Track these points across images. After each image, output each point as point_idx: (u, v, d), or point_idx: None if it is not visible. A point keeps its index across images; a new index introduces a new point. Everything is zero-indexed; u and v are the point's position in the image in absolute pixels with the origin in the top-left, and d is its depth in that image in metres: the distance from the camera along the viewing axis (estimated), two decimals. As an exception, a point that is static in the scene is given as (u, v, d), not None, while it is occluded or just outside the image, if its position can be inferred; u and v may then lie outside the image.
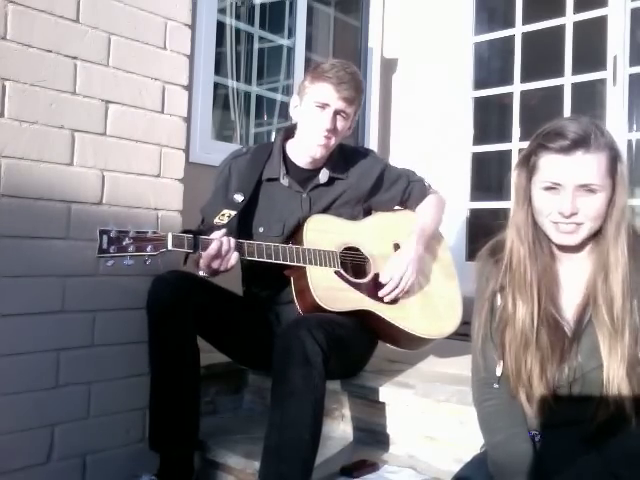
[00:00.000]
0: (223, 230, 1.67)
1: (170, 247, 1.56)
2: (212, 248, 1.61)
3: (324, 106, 1.83)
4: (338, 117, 1.85)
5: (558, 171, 1.19)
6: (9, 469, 1.59)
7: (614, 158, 1.19)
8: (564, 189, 1.19)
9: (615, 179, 1.20)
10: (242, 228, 1.88)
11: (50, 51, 1.63)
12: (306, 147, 1.90)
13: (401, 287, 1.88)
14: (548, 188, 1.21)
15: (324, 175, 1.94)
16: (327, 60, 1.90)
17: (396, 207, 2.11)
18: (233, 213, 1.80)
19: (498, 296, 1.33)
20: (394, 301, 1.90)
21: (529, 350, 1.25)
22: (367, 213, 2.05)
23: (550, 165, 1.20)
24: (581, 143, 1.16)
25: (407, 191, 2.08)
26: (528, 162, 1.26)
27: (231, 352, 1.96)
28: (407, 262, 1.90)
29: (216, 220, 1.78)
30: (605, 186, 1.19)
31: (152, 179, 1.85)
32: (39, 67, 1.61)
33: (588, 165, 1.17)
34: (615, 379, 1.18)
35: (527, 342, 1.25)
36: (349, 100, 1.84)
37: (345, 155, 2.01)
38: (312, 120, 1.86)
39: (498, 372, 1.30)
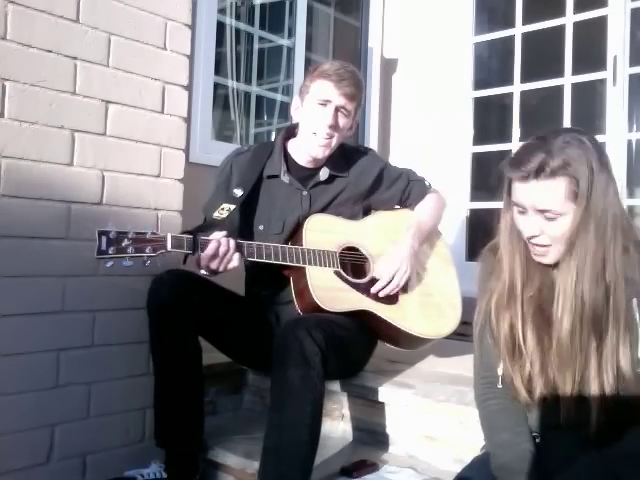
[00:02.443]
0: (223, 232, 1.67)
1: (169, 248, 1.56)
2: (210, 248, 1.61)
3: (326, 103, 1.85)
4: (339, 114, 1.86)
5: (520, 196, 1.22)
6: (9, 469, 1.59)
7: (576, 183, 1.16)
8: (527, 213, 1.22)
9: (577, 202, 1.17)
10: (242, 226, 1.89)
11: (50, 51, 1.63)
12: (308, 148, 1.91)
13: (395, 283, 1.87)
14: (520, 212, 1.24)
15: (324, 173, 1.94)
16: (326, 61, 1.92)
17: (396, 206, 2.11)
18: (232, 207, 1.80)
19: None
20: (393, 301, 1.90)
21: (522, 355, 1.25)
22: (366, 212, 2.05)
23: (516, 190, 1.22)
24: (534, 172, 1.17)
25: (407, 190, 2.08)
26: (508, 184, 1.27)
27: (231, 352, 1.96)
28: (401, 258, 1.89)
29: (215, 214, 1.77)
30: (566, 211, 1.18)
31: (152, 179, 1.85)
32: (39, 67, 1.61)
33: (541, 192, 1.18)
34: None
35: (519, 349, 1.26)
36: (350, 96, 1.85)
37: (345, 153, 2.01)
38: (314, 117, 1.87)
39: (499, 371, 1.30)
